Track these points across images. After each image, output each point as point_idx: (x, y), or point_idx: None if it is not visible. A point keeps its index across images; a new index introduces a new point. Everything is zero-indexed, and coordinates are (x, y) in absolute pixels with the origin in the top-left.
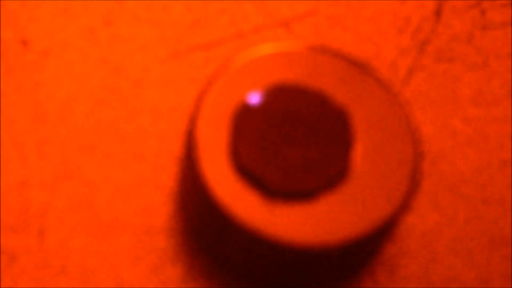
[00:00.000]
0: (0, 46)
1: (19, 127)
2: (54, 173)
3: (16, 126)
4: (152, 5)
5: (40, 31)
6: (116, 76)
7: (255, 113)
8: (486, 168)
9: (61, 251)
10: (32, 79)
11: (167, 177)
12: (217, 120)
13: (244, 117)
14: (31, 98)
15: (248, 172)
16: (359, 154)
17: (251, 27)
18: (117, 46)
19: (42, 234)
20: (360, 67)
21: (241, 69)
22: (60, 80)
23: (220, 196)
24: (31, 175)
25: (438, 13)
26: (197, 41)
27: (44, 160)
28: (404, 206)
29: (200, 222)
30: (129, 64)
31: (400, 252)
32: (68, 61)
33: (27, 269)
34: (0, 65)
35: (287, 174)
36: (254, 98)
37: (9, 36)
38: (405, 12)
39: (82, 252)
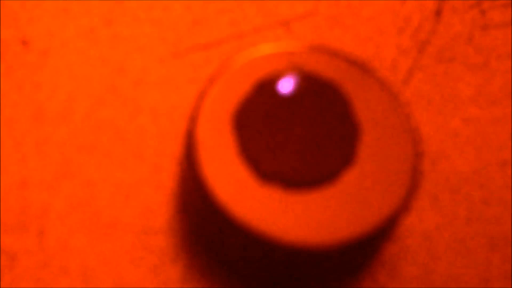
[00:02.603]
0: (0, 46)
1: (19, 127)
2: (54, 173)
3: (16, 126)
4: (152, 5)
5: (40, 31)
6: (116, 76)
7: (258, 111)
8: (486, 168)
9: (61, 251)
10: (32, 79)
11: (167, 177)
12: (217, 120)
13: (246, 115)
14: (31, 98)
15: (252, 166)
16: (358, 153)
17: (251, 27)
18: (117, 46)
19: (42, 234)
20: (360, 67)
21: (241, 69)
22: (60, 80)
23: (220, 196)
24: (31, 175)
25: (438, 13)
26: (197, 41)
27: (44, 160)
28: (404, 206)
29: (200, 222)
30: (129, 64)
31: (400, 252)
32: (68, 61)
33: (27, 269)
34: (0, 65)
35: (290, 170)
36: (258, 96)
37: (9, 36)
38: (405, 12)
39: (82, 252)
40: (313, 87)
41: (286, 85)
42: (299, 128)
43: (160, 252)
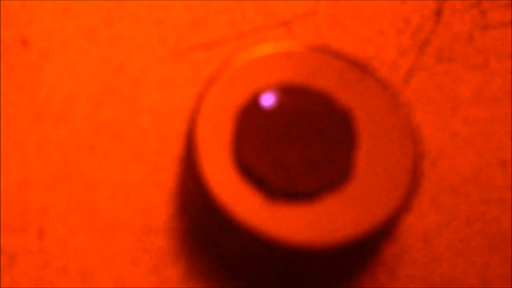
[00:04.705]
0: (0, 46)
1: (19, 127)
2: (54, 173)
3: (16, 126)
4: (152, 5)
5: (40, 31)
6: (116, 76)
7: (257, 113)
8: (486, 168)
9: (61, 251)
10: (32, 79)
11: (167, 177)
12: (217, 120)
13: (246, 116)
14: (31, 98)
15: (250, 171)
16: (359, 154)
17: (251, 27)
18: (117, 46)
19: (42, 234)
20: (360, 67)
21: (241, 69)
22: (60, 80)
23: (220, 196)
24: (31, 175)
25: (438, 13)
26: (197, 41)
27: (44, 160)
28: (404, 206)
29: (200, 222)
30: (129, 64)
31: (400, 252)
32: (68, 61)
33: (27, 269)
34: (0, 65)
35: (288, 174)
36: (259, 97)
37: (9, 36)
38: (405, 12)
39: (82, 252)
40: (313, 89)
41: (284, 89)
42: (299, 129)
43: (160, 252)
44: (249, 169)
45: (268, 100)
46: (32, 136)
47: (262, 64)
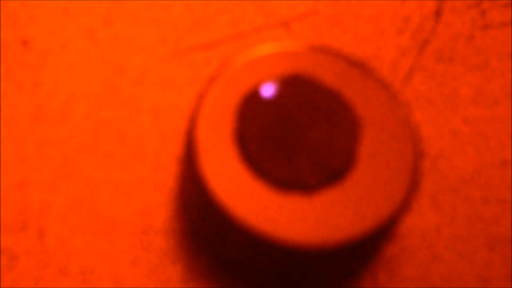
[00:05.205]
0: (0, 46)
1: (19, 127)
2: (54, 173)
3: (16, 126)
4: (152, 5)
5: (40, 31)
6: (116, 76)
7: (258, 111)
8: (486, 168)
9: (61, 251)
10: (32, 79)
11: (167, 177)
12: (217, 119)
13: (246, 116)
14: (31, 98)
15: (253, 168)
16: (359, 154)
17: (251, 27)
18: (117, 46)
19: (42, 234)
20: (360, 67)
21: (241, 69)
22: (60, 80)
23: (220, 196)
24: (31, 175)
25: (438, 13)
26: (197, 41)
27: (44, 160)
28: (404, 206)
29: (200, 222)
30: (129, 64)
31: (400, 252)
32: (68, 61)
33: (27, 269)
34: (0, 65)
35: (291, 167)
36: (258, 97)
37: (9, 36)
38: (405, 12)
39: (82, 252)
40: (313, 88)
41: (284, 87)
42: (299, 129)
43: (160, 252)
44: (251, 165)
45: (268, 98)
46: (32, 136)
47: (262, 64)
